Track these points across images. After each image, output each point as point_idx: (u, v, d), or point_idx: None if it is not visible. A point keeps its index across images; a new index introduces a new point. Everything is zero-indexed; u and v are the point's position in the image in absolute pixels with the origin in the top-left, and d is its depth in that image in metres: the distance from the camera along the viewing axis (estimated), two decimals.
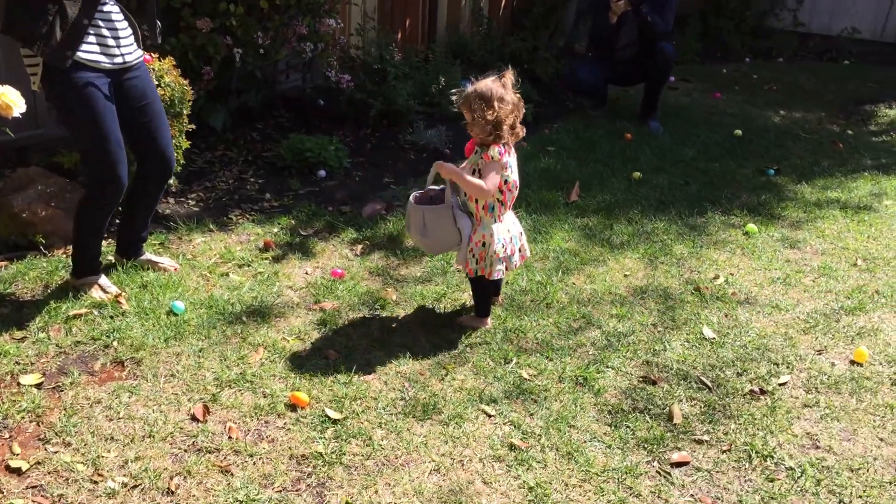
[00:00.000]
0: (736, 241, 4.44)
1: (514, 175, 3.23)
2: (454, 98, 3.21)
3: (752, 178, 5.48)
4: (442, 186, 3.33)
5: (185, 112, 4.21)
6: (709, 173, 5.51)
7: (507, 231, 3.31)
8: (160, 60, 4.02)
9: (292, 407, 2.84)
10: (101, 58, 3.19)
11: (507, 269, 3.36)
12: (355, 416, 2.82)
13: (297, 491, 2.48)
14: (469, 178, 3.15)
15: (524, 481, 2.57)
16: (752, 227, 4.56)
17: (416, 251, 4.07)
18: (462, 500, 2.48)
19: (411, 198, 3.33)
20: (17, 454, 2.56)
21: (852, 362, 3.32)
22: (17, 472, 2.48)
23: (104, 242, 3.66)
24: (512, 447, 2.72)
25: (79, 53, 3.13)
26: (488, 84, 3.10)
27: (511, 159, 3.21)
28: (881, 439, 2.86)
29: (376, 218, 4.48)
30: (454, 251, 3.37)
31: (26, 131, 4.39)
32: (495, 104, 3.06)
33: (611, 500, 2.52)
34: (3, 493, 2.40)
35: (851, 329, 3.56)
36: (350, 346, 3.23)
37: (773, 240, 4.48)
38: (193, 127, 4.36)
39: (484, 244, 3.24)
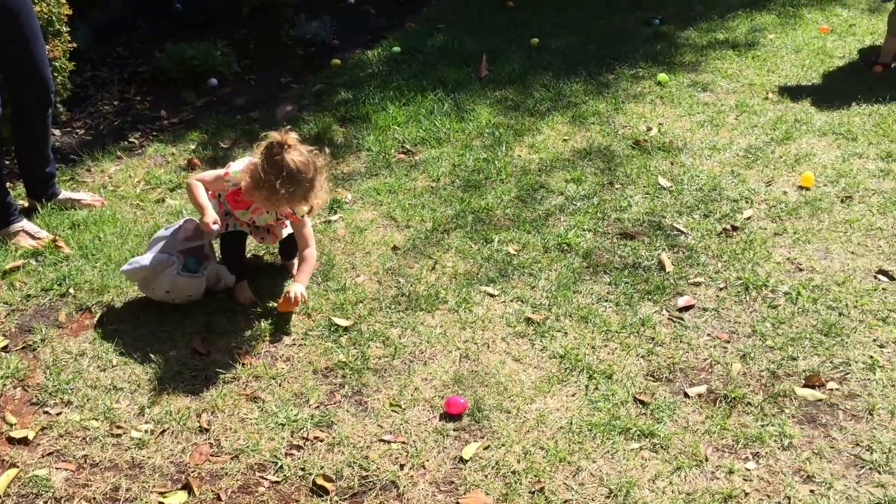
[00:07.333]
0: (652, 91, 4.51)
1: None
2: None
3: (641, 30, 5.55)
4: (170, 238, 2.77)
5: (64, 29, 3.77)
6: (599, 31, 5.52)
7: None
8: None
9: (295, 323, 2.70)
10: None
11: None
12: (364, 320, 2.71)
13: (335, 403, 2.38)
14: (311, 267, 2.77)
15: (553, 351, 2.57)
16: (662, 76, 4.64)
17: (350, 148, 3.91)
18: (501, 379, 2.46)
19: (176, 271, 2.68)
20: (15, 423, 2.30)
21: (800, 187, 3.49)
22: (24, 441, 2.24)
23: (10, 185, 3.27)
24: (529, 321, 2.71)
25: None
26: (302, 167, 2.54)
27: None
28: (852, 252, 3.05)
29: (292, 119, 4.23)
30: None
31: None
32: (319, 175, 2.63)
33: (640, 353, 2.57)
34: (18, 466, 2.16)
35: (788, 157, 3.73)
36: (324, 252, 3.08)
37: (684, 86, 4.58)
38: (75, 45, 3.92)
39: None
